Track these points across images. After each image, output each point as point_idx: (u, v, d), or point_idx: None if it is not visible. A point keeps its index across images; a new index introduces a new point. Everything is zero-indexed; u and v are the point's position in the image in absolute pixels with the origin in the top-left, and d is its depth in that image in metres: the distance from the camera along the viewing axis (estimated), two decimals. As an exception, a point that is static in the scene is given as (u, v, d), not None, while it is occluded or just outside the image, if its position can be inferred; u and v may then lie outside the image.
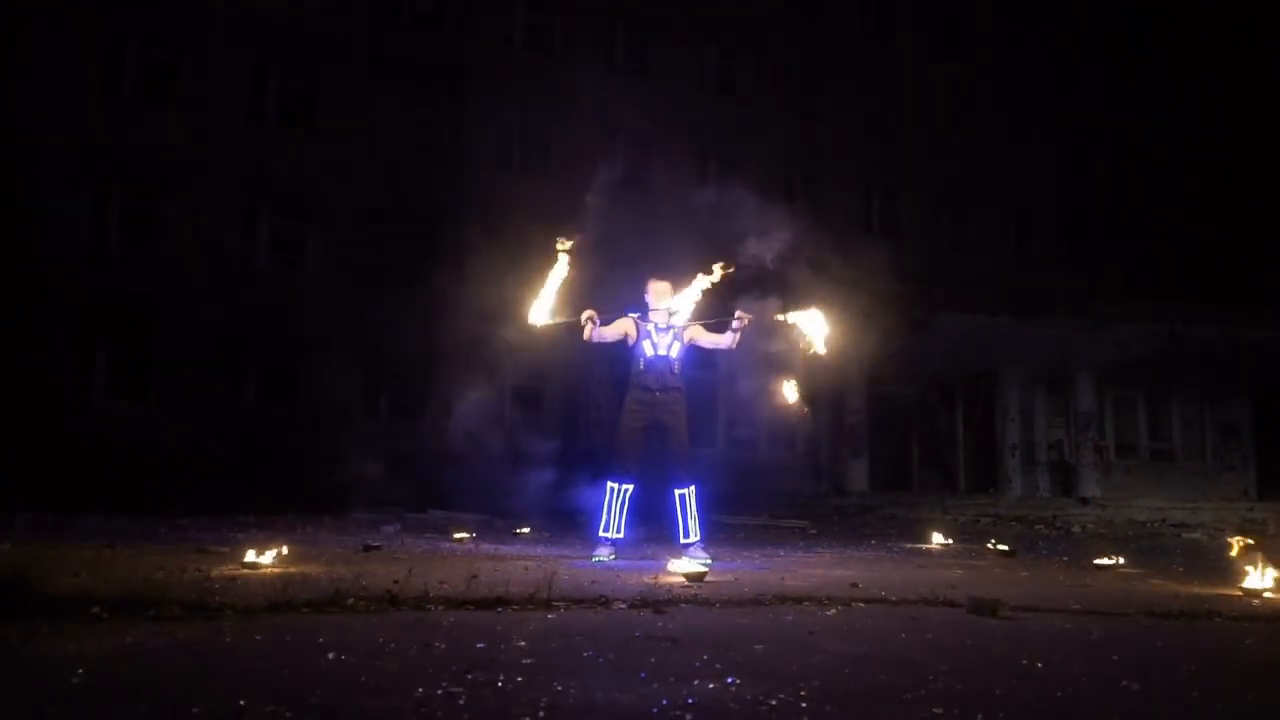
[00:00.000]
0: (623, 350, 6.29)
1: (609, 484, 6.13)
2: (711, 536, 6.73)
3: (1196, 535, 11.03)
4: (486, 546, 7.12)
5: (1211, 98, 23.18)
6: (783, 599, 4.27)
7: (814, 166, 19.70)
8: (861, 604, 4.25)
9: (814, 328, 5.91)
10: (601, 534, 6.10)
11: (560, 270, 5.99)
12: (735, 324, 6.00)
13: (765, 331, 6.50)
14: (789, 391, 6.17)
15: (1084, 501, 15.36)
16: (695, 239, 7.12)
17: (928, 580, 5.35)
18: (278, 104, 16.30)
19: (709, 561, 5.63)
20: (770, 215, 6.69)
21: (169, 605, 3.42)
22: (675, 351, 6.15)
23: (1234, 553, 6.09)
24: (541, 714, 2.20)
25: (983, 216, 21.40)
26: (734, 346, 6.17)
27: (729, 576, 5.21)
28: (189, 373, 14.84)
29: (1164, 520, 13.16)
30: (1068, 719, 2.42)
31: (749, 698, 2.41)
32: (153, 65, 15.56)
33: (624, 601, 3.99)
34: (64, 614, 3.23)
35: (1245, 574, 5.23)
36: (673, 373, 6.13)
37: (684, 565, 5.15)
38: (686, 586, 4.68)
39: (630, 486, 6.12)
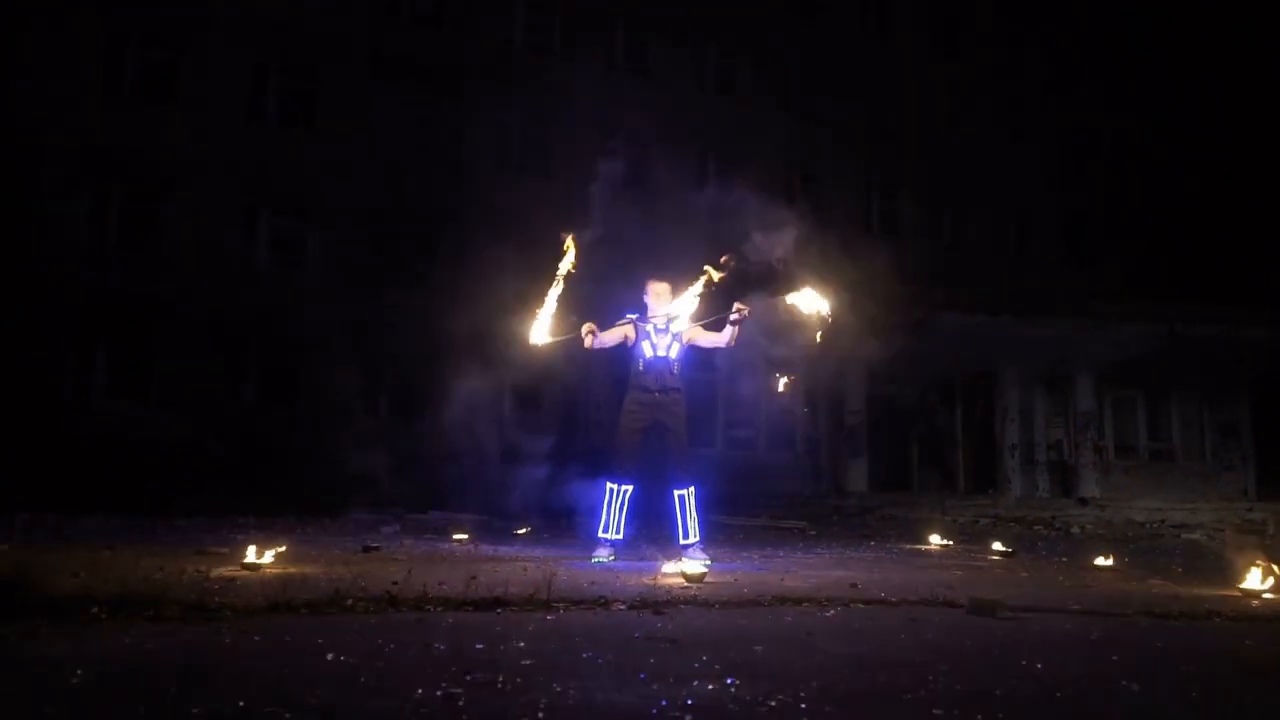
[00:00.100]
0: (622, 352, 6.29)
1: (608, 485, 6.14)
2: (711, 537, 6.73)
3: (1196, 536, 11.02)
4: (485, 547, 7.12)
5: (1211, 98, 23.17)
6: (782, 600, 4.26)
7: (814, 166, 19.70)
8: (861, 605, 4.25)
9: (814, 304, 5.91)
10: (601, 535, 6.10)
11: (558, 287, 6.01)
12: (734, 315, 6.00)
13: (767, 331, 6.49)
14: (788, 376, 6.12)
15: (1083, 502, 15.36)
16: (695, 239, 7.12)
17: (927, 581, 5.35)
18: (278, 104, 16.30)
19: (708, 562, 5.63)
20: (770, 215, 6.68)
21: (168, 605, 3.42)
22: (674, 352, 6.16)
23: (1235, 555, 6.08)
24: (541, 715, 2.20)
25: (982, 216, 21.41)
26: (732, 343, 6.16)
27: (728, 577, 5.21)
28: (189, 373, 14.84)
29: (1163, 521, 13.15)
30: (1068, 719, 2.42)
31: (748, 699, 2.41)
32: (153, 65, 15.56)
33: (623, 602, 3.98)
34: (63, 614, 3.23)
35: (1244, 575, 5.23)
36: (672, 373, 6.14)
37: (683, 566, 5.15)
38: (686, 587, 4.68)
39: (630, 487, 6.12)
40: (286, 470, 11.73)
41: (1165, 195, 22.16)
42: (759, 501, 13.16)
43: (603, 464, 6.37)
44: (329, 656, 2.74)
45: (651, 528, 7.29)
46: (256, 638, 3.03)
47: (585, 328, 6.03)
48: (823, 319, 5.88)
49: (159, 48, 15.66)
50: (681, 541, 6.03)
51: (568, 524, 8.88)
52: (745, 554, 7.07)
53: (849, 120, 20.27)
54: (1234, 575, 5.44)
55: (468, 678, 2.52)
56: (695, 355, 6.47)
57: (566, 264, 5.96)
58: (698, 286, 6.05)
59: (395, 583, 4.10)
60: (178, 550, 5.77)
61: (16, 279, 13.55)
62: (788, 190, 18.67)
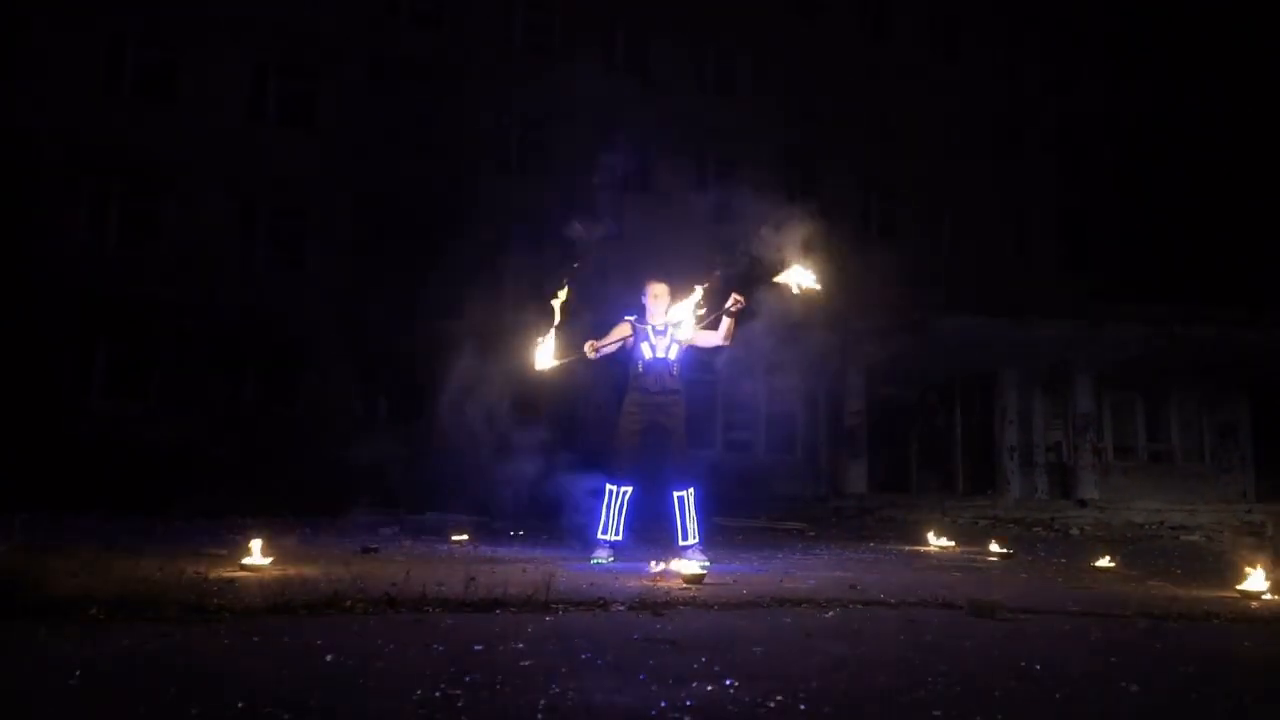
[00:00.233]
0: (622, 354, 6.29)
1: (608, 486, 6.14)
2: (710, 539, 6.73)
3: (1195, 537, 11.03)
4: (484, 548, 7.11)
5: (1211, 98, 23.18)
6: (781, 601, 4.26)
7: (813, 166, 19.72)
8: (860, 606, 4.25)
9: (803, 278, 5.91)
10: (600, 536, 6.10)
11: (557, 317, 6.08)
12: (731, 307, 6.00)
13: (768, 330, 6.49)
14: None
15: (1082, 503, 15.36)
16: (694, 239, 7.12)
17: (926, 582, 5.36)
18: (277, 104, 16.31)
19: (707, 564, 5.63)
20: (768, 216, 6.68)
21: (167, 607, 3.42)
22: (674, 354, 6.16)
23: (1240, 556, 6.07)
24: (540, 716, 2.20)
25: (982, 217, 21.40)
26: (729, 339, 6.16)
27: (727, 578, 5.21)
28: (188, 373, 14.84)
29: (1162, 522, 13.16)
30: (1066, 721, 2.42)
31: (747, 700, 2.41)
32: (152, 65, 15.58)
33: (622, 604, 3.98)
34: (62, 615, 3.23)
35: (1244, 576, 5.23)
36: (671, 375, 6.14)
37: (683, 567, 5.15)
38: (685, 589, 4.68)
39: (629, 489, 6.12)
40: (285, 471, 11.72)
41: (1165, 196, 22.16)
42: (758, 503, 13.16)
43: (602, 465, 6.37)
44: (328, 657, 2.74)
45: (651, 529, 7.29)
46: (255, 639, 3.03)
47: (587, 346, 6.10)
48: (810, 290, 5.90)
49: (158, 48, 15.67)
50: (681, 543, 6.03)
51: (567, 525, 8.88)
52: (744, 555, 7.07)
53: (849, 120, 20.28)
54: (1232, 577, 5.44)
55: (466, 679, 2.52)
56: (695, 356, 6.47)
57: (561, 302, 6.05)
58: (697, 296, 6.03)
59: (394, 584, 4.10)
60: (177, 551, 5.76)
61: (16, 279, 13.56)
62: (786, 190, 18.69)
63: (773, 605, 4.17)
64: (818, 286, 5.91)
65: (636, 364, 6.14)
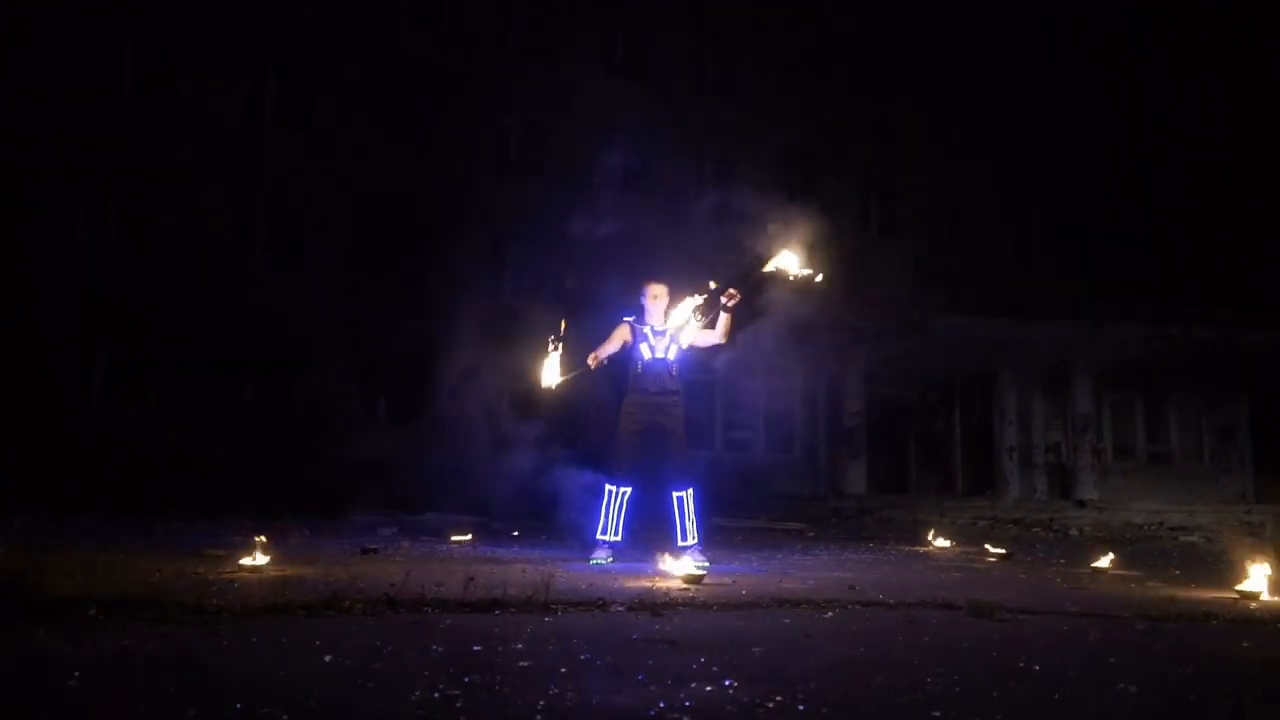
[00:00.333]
0: (622, 354, 6.30)
1: (607, 486, 6.14)
2: (709, 539, 6.73)
3: (1194, 538, 11.03)
4: (484, 549, 7.11)
5: (1211, 98, 23.20)
6: (780, 602, 4.26)
7: (812, 167, 19.75)
8: (859, 606, 4.25)
9: (793, 263, 5.91)
10: (599, 536, 6.10)
11: (559, 345, 6.22)
12: (726, 301, 5.99)
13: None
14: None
15: (1081, 504, 15.36)
16: (693, 239, 7.13)
17: (925, 583, 5.35)
18: (275, 105, 16.31)
19: (707, 564, 5.62)
20: (768, 215, 6.68)
21: (166, 607, 3.42)
22: (673, 354, 6.16)
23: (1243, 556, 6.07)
24: (538, 717, 2.20)
25: (981, 217, 21.43)
26: (727, 336, 6.16)
27: (726, 579, 5.21)
28: (187, 374, 14.85)
29: (1161, 523, 13.15)
30: (1065, 722, 2.42)
31: (746, 700, 2.41)
32: (151, 65, 15.59)
33: (621, 604, 3.98)
34: (61, 616, 3.23)
35: (1243, 577, 5.23)
36: (670, 375, 6.14)
37: (682, 568, 5.15)
38: (684, 589, 4.68)
39: (628, 489, 6.12)
40: (285, 471, 11.72)
41: (1164, 196, 22.18)
42: (757, 503, 13.16)
43: (602, 466, 6.38)
44: (327, 658, 2.74)
45: (650, 530, 7.29)
46: (254, 639, 3.03)
47: (590, 359, 6.15)
48: (804, 277, 5.90)
49: (157, 48, 15.68)
50: (680, 543, 6.02)
51: (566, 526, 8.88)
52: (743, 556, 7.07)
53: (849, 120, 20.30)
54: (1231, 578, 5.44)
55: (465, 679, 2.52)
56: (694, 356, 6.47)
57: (559, 338, 6.19)
58: (695, 300, 6.03)
59: (393, 584, 4.10)
60: (176, 551, 5.76)
61: (16, 280, 13.56)
62: (786, 191, 18.70)
63: (772, 606, 4.17)
64: (808, 273, 5.91)
65: (635, 365, 6.15)
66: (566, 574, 5.16)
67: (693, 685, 2.55)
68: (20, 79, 14.44)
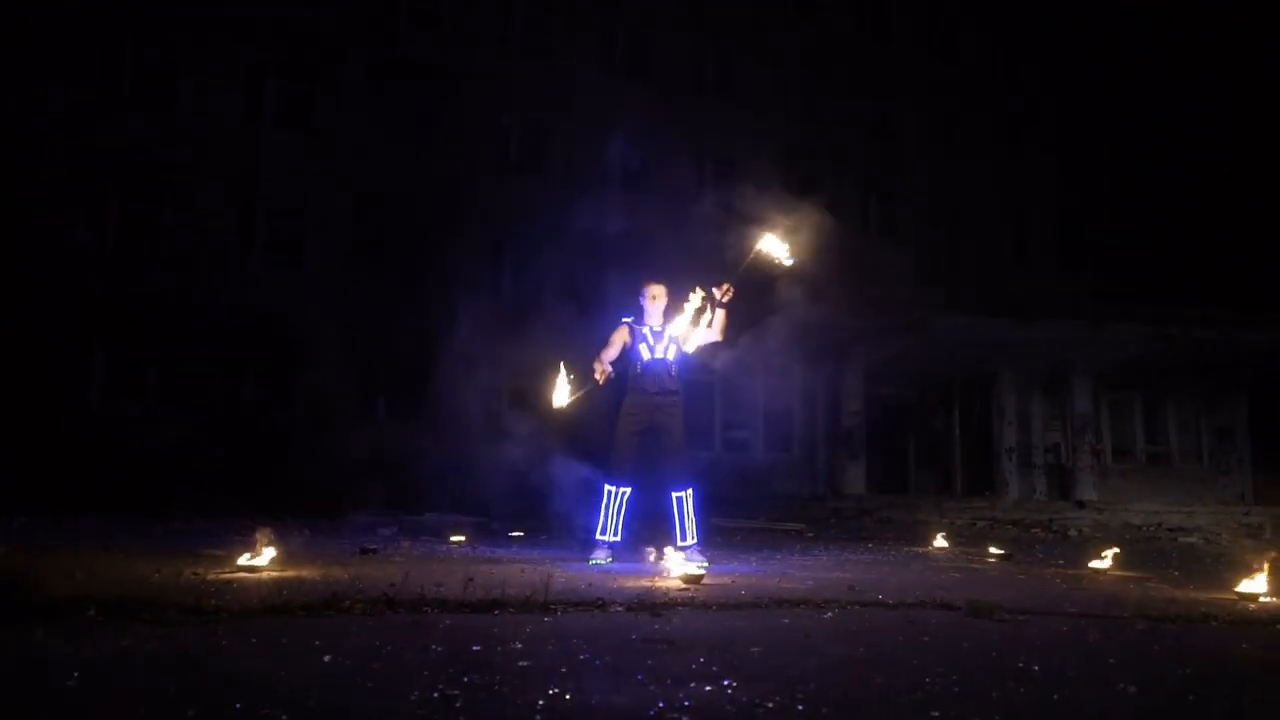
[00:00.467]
0: (622, 355, 6.30)
1: (606, 487, 6.14)
2: (708, 539, 6.73)
3: (1193, 539, 11.04)
4: (483, 549, 7.11)
5: (1210, 98, 23.21)
6: (779, 602, 4.26)
7: (812, 167, 19.75)
8: (858, 607, 4.25)
9: (777, 246, 5.90)
10: (599, 537, 6.10)
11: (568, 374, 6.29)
12: (720, 296, 5.99)
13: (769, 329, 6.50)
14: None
15: (1080, 505, 15.37)
16: (692, 240, 7.14)
17: (925, 583, 5.36)
18: (275, 105, 16.31)
19: (706, 564, 5.63)
20: (767, 216, 6.68)
21: (165, 608, 3.41)
22: (672, 355, 6.17)
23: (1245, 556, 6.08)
24: (538, 717, 2.20)
25: (981, 217, 21.43)
26: (724, 333, 6.17)
27: (726, 579, 5.21)
28: (187, 374, 14.84)
29: (1160, 524, 13.17)
30: (1064, 723, 2.42)
31: (745, 700, 2.41)
32: (151, 65, 15.59)
33: (621, 604, 3.98)
34: (60, 616, 3.23)
35: (1242, 578, 5.23)
36: (670, 375, 6.14)
37: (681, 568, 5.15)
38: (683, 589, 4.68)
39: (628, 489, 6.13)
40: (284, 471, 11.73)
41: (1164, 197, 22.19)
42: (756, 503, 13.17)
43: (601, 466, 6.38)
44: (326, 658, 2.74)
45: (649, 530, 7.29)
46: (253, 639, 3.03)
47: (597, 372, 6.12)
48: (785, 263, 5.90)
49: (157, 48, 15.68)
50: (679, 543, 6.03)
51: (565, 526, 8.88)
52: (743, 556, 7.07)
53: (849, 120, 20.30)
54: (1230, 578, 5.45)
55: (465, 679, 2.52)
56: (695, 356, 6.47)
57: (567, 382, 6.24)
58: (695, 302, 6.03)
59: (392, 584, 4.10)
60: (175, 552, 5.76)
61: (15, 280, 13.56)
62: (786, 191, 18.69)
63: (771, 606, 4.17)
64: (792, 259, 5.90)
65: (635, 365, 6.15)
66: (565, 574, 5.16)
67: (692, 685, 2.55)
68: (20, 79, 14.44)
